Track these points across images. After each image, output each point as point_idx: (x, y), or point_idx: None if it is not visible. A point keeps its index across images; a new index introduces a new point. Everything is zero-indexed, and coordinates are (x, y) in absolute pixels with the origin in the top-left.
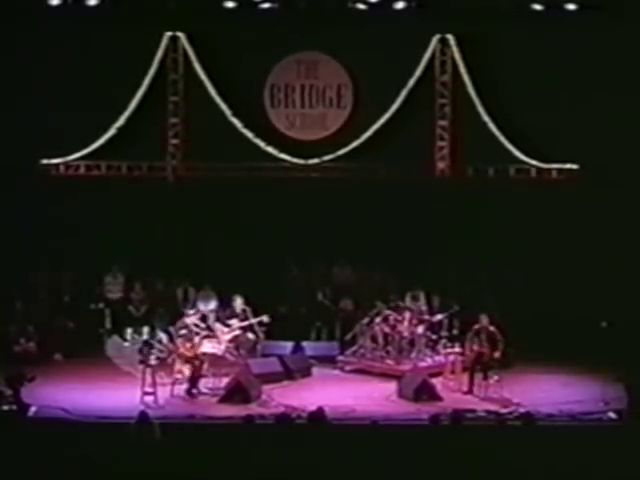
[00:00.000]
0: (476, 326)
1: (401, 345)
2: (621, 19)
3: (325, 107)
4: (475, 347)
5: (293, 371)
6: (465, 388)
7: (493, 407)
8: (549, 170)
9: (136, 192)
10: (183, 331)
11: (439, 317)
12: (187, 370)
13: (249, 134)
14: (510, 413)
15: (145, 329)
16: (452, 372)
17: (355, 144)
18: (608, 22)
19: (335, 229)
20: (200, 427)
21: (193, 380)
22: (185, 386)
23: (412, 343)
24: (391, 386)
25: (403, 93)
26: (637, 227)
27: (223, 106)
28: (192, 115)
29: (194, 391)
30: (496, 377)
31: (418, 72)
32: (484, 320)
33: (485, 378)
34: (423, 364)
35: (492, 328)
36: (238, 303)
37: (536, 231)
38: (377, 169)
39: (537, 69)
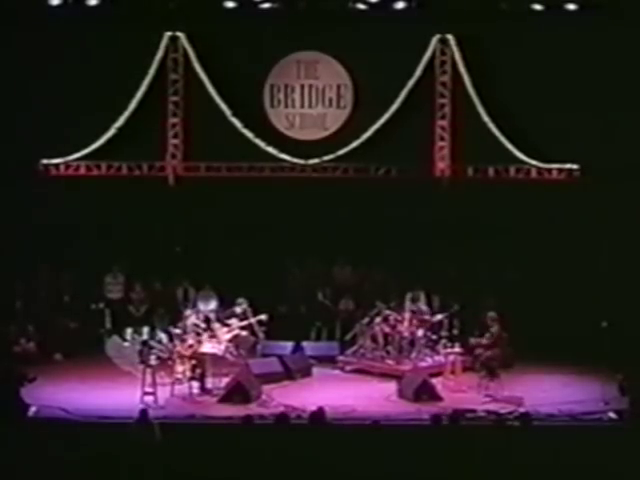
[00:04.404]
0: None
1: (401, 345)
2: (621, 19)
3: (325, 107)
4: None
5: (293, 371)
6: (464, 387)
7: (493, 407)
8: (549, 170)
9: (136, 192)
10: (182, 331)
11: (439, 317)
12: (188, 370)
13: (249, 134)
14: (510, 413)
15: (145, 329)
16: (452, 372)
17: (355, 144)
18: (608, 22)
19: (335, 229)
20: (200, 427)
21: (202, 377)
22: (195, 384)
23: (412, 343)
24: (391, 386)
25: (403, 93)
26: (637, 227)
27: (223, 106)
28: (192, 115)
29: (208, 387)
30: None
31: (418, 72)
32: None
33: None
34: (423, 364)
35: (493, 328)
36: (242, 307)
37: (536, 231)
38: (377, 169)
39: (537, 69)
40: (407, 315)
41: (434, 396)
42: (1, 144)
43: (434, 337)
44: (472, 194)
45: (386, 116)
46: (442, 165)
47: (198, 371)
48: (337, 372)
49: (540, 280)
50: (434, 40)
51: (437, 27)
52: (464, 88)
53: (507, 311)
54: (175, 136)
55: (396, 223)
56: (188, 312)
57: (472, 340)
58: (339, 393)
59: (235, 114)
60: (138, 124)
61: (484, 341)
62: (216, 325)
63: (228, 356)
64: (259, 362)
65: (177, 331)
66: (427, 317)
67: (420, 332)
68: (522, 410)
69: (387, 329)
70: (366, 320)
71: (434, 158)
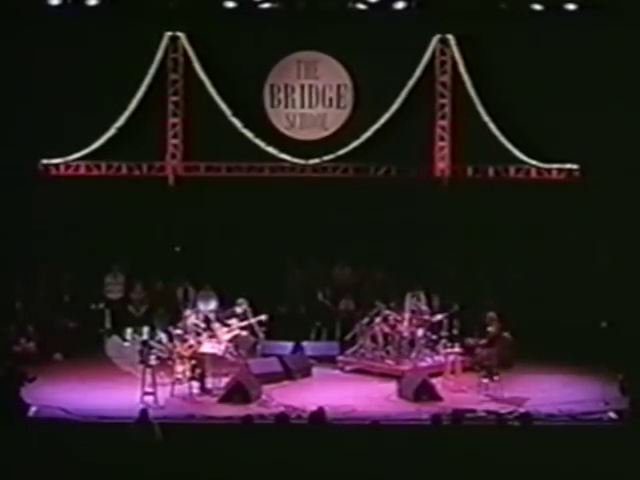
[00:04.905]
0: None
1: (401, 345)
2: (621, 19)
3: (325, 107)
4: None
5: (293, 371)
6: (464, 387)
7: (493, 407)
8: (549, 170)
9: (136, 192)
10: (182, 331)
11: (439, 317)
12: (188, 370)
13: (249, 134)
14: (510, 413)
15: (145, 329)
16: (452, 372)
17: (355, 144)
18: (608, 22)
19: (335, 229)
20: (200, 427)
21: (202, 377)
22: (195, 384)
23: (412, 343)
24: (391, 386)
25: (403, 93)
26: (637, 227)
27: (223, 106)
28: (192, 115)
29: (208, 387)
30: (496, 377)
31: (418, 72)
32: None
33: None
34: (423, 364)
35: (491, 328)
36: (242, 307)
37: (536, 231)
38: (377, 169)
39: (537, 69)
40: (407, 315)
41: (434, 396)
42: (1, 144)
43: (434, 337)
44: (472, 194)
45: (386, 116)
46: (442, 165)
47: (198, 371)
48: (337, 372)
49: (540, 280)
50: (434, 40)
51: (437, 27)
52: (464, 88)
53: (507, 311)
54: (175, 136)
55: (396, 223)
56: (188, 312)
57: (470, 340)
58: (339, 393)
59: (235, 114)
60: (138, 124)
61: (482, 341)
62: (216, 325)
63: (228, 356)
64: (259, 362)
65: (177, 331)
66: (427, 317)
67: (420, 332)
68: (522, 410)
69: (387, 329)
70: (366, 320)
71: (434, 158)
